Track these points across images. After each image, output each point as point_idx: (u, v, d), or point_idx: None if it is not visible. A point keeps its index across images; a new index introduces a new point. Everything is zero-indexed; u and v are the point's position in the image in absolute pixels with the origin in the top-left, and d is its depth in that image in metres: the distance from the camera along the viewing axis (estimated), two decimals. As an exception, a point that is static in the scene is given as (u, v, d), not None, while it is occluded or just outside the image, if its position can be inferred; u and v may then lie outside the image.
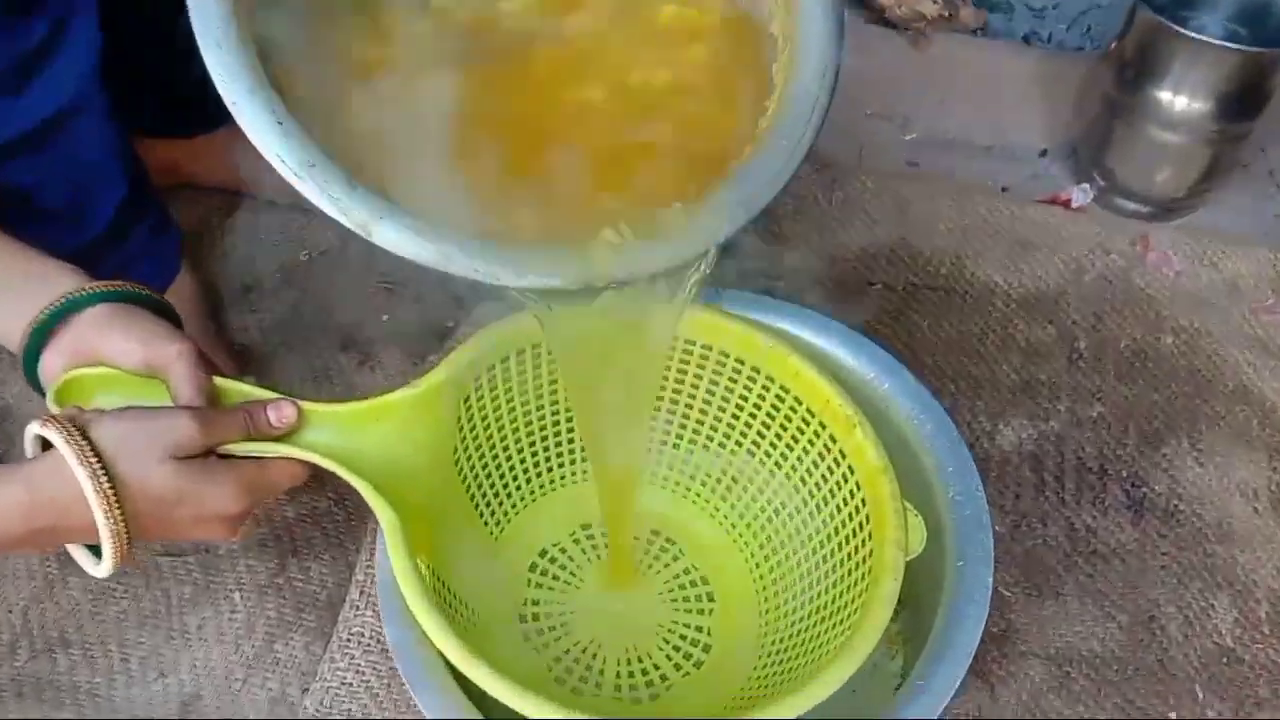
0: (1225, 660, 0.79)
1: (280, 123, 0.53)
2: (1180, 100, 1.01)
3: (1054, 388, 0.94)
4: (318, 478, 0.78)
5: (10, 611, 0.76)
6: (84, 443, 0.55)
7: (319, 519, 0.81)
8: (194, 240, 0.97)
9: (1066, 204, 1.11)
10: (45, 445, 0.56)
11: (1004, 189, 1.13)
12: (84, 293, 0.62)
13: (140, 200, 0.84)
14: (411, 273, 0.95)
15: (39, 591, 0.77)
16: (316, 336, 0.93)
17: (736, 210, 0.57)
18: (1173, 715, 0.77)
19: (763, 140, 0.60)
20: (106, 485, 0.55)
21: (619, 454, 0.69)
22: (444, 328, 0.93)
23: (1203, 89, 1.00)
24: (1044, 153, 1.17)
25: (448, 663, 0.59)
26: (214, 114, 0.84)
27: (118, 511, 0.55)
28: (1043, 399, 0.94)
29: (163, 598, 0.77)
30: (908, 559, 0.58)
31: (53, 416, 0.56)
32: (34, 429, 0.56)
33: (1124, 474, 0.89)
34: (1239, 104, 1.00)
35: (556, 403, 0.74)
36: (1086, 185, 1.11)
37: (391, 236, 0.54)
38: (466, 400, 0.69)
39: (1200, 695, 0.78)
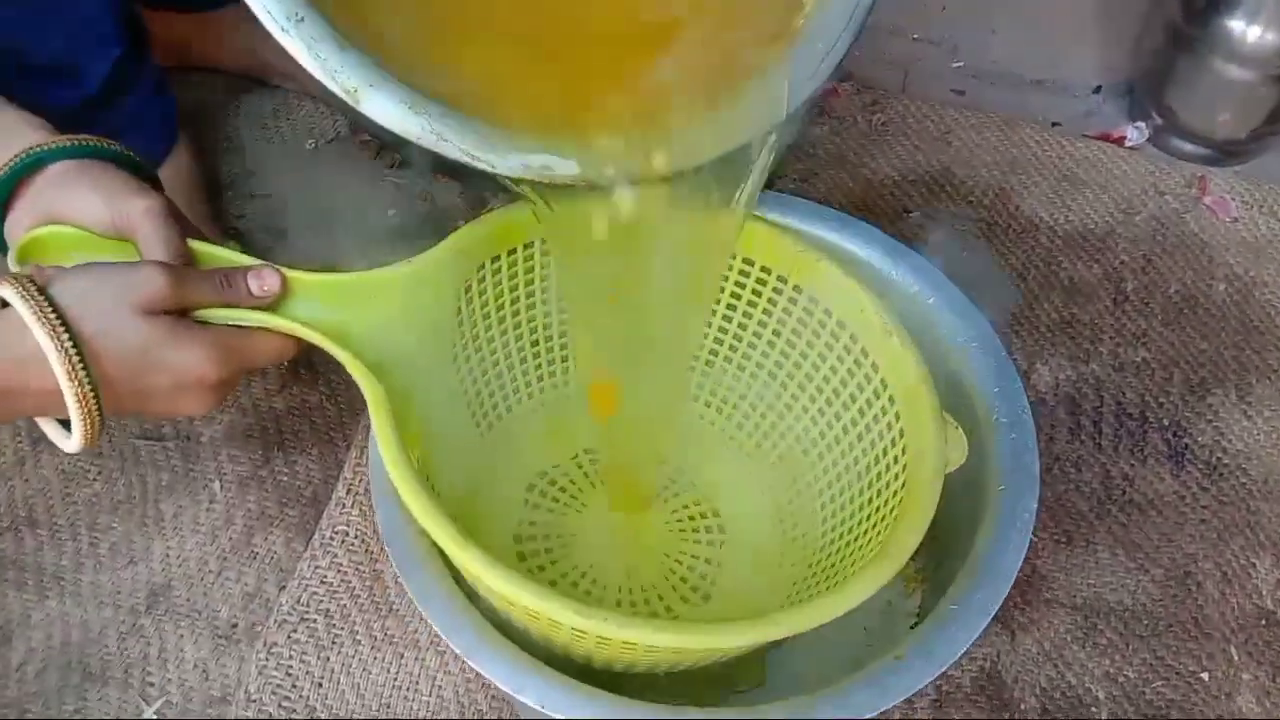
0: (1264, 622, 0.74)
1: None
2: (1254, 31, 0.94)
3: (1096, 329, 0.89)
4: (310, 367, 0.74)
5: (-26, 490, 0.72)
6: (41, 299, 0.50)
7: (309, 412, 0.76)
8: (196, 122, 0.91)
9: (1120, 141, 1.04)
10: (2, 305, 0.51)
11: (1054, 124, 1.07)
12: (48, 147, 0.57)
13: (138, 63, 0.78)
14: (421, 168, 0.90)
15: (7, 468, 0.73)
16: (317, 226, 0.88)
17: (801, 83, 0.52)
18: (1205, 675, 0.72)
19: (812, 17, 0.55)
20: (69, 343, 0.50)
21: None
22: (455, 225, 0.88)
23: (1271, 23, 0.93)
24: (1098, 89, 1.10)
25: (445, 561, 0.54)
26: None
27: (83, 374, 0.51)
28: (1084, 340, 0.88)
29: (138, 483, 0.73)
30: (948, 470, 0.53)
31: (9, 274, 0.51)
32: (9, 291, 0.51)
33: (1166, 422, 0.84)
34: (1316, 41, 0.94)
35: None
36: (1142, 123, 1.05)
37: (381, 107, 0.49)
38: (468, 288, 0.63)
39: (1235, 656, 0.73)
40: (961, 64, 1.12)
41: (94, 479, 0.73)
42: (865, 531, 0.59)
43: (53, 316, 0.50)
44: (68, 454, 0.55)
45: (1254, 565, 0.77)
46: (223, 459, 0.74)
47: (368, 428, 0.71)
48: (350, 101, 0.49)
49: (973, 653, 0.70)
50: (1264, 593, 0.76)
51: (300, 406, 0.77)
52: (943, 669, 0.52)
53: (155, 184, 0.62)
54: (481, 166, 0.51)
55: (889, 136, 1.01)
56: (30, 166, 0.58)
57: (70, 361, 0.50)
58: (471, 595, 0.54)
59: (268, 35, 0.92)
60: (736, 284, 0.67)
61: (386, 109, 0.49)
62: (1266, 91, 0.98)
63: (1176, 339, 0.89)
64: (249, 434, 0.75)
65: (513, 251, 0.65)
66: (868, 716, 0.51)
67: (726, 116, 0.54)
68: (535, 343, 0.69)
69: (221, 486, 0.73)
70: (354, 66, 0.49)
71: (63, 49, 0.73)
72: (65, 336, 0.50)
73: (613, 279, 0.60)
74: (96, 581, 0.69)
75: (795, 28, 0.55)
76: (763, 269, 0.66)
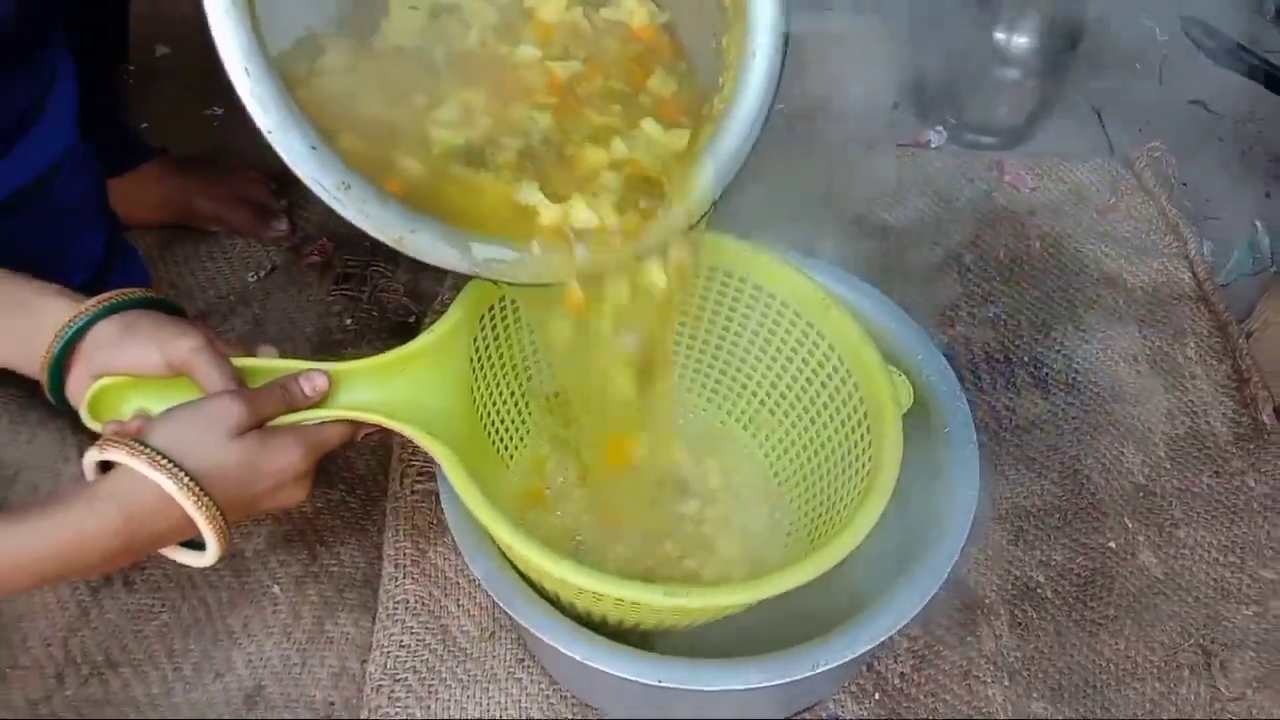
0: (1141, 494, 0.94)
1: (314, 148, 0.57)
2: (1016, 39, 1.16)
3: (952, 298, 1.08)
4: (325, 470, 0.83)
5: (49, 645, 0.77)
6: (149, 451, 0.58)
7: (335, 509, 0.85)
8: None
9: (925, 145, 1.25)
10: (105, 467, 0.59)
11: (867, 139, 1.26)
12: (85, 314, 0.64)
13: (115, 238, 0.85)
14: (365, 277, 0.99)
15: (74, 620, 0.78)
16: (285, 347, 0.96)
17: (713, 184, 0.67)
18: (1112, 544, 0.90)
19: (724, 116, 0.69)
20: (188, 480, 0.58)
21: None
22: (405, 322, 0.99)
23: (1031, 27, 1.16)
24: (896, 105, 1.31)
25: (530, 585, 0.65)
26: (143, 147, 0.86)
27: (207, 499, 0.59)
28: (946, 309, 1.07)
29: (200, 605, 0.79)
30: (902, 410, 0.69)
31: (108, 438, 0.59)
32: (94, 455, 0.59)
33: (1026, 359, 1.03)
34: (1060, 40, 1.17)
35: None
36: (940, 127, 1.26)
37: (422, 246, 0.60)
38: (475, 340, 0.74)
39: (1129, 525, 0.92)
40: (782, 106, 1.30)
41: (159, 611, 0.79)
42: (845, 470, 0.73)
43: (165, 463, 0.58)
44: (202, 568, 0.62)
45: (1122, 453, 0.96)
46: (273, 565, 0.81)
47: (390, 509, 0.81)
48: (396, 247, 0.60)
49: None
50: (1135, 471, 0.95)
51: (327, 506, 0.85)
52: (948, 571, 0.67)
53: (180, 311, 0.70)
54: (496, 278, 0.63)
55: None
56: (74, 338, 0.65)
57: (194, 494, 0.58)
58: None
59: (191, 183, 1.00)
60: (704, 288, 0.81)
61: (426, 246, 0.60)
62: (1032, 85, 1.21)
63: (1015, 292, 1.09)
64: (290, 539, 0.83)
65: (501, 300, 0.75)
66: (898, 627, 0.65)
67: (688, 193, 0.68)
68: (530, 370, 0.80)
69: (280, 589, 0.80)
70: (395, 216, 0.59)
71: (56, 244, 0.79)
72: (183, 475, 0.58)
73: (582, 330, 0.73)
74: (191, 700, 0.76)
75: (718, 109, 0.70)
76: (724, 272, 0.79)
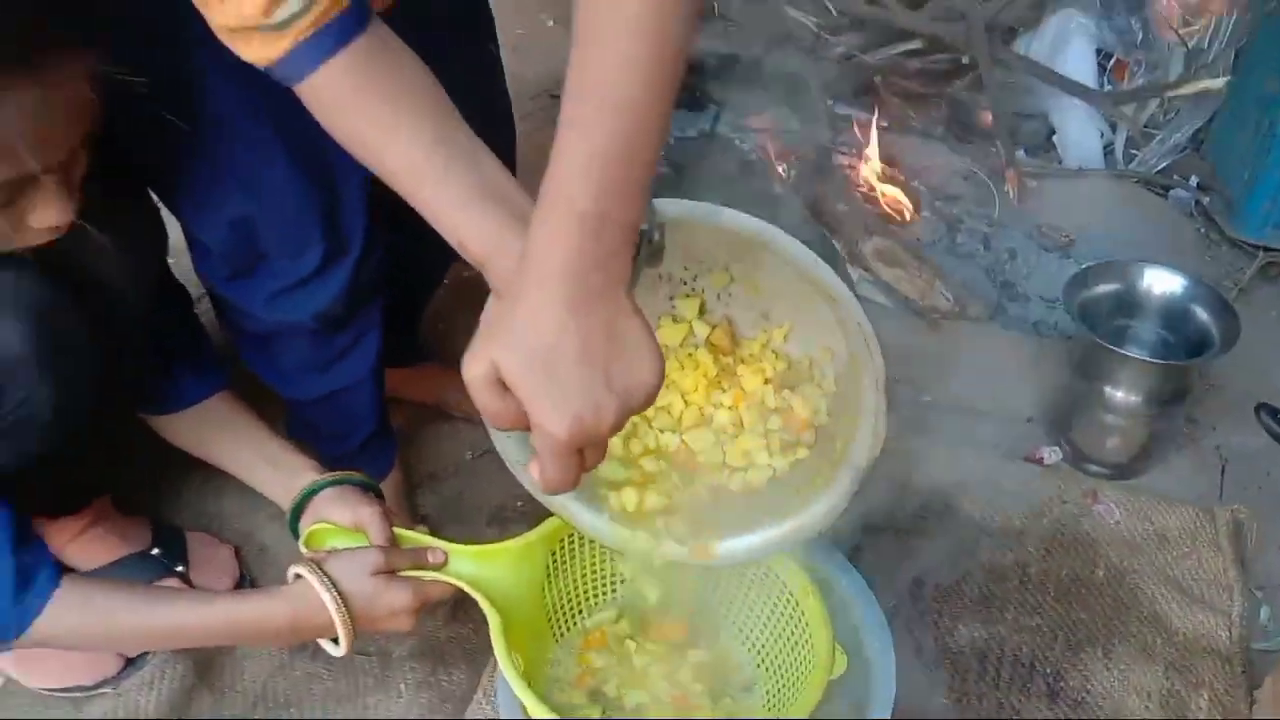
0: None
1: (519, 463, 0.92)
2: (1120, 393, 1.34)
3: (1004, 601, 1.26)
4: (466, 611, 1.16)
5: (255, 681, 1.15)
6: (323, 575, 0.94)
7: (461, 641, 1.18)
8: (401, 438, 1.38)
9: (1040, 461, 1.44)
10: (296, 576, 0.96)
11: (998, 447, 1.47)
12: (321, 481, 1.04)
13: (384, 429, 1.26)
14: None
15: (274, 670, 1.15)
16: (472, 513, 1.33)
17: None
18: None
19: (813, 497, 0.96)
20: (339, 598, 0.94)
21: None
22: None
23: (1140, 386, 1.34)
24: (1030, 419, 1.51)
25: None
26: (425, 352, 1.24)
27: (345, 613, 0.94)
28: (994, 608, 1.25)
29: (353, 684, 1.15)
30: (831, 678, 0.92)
31: (303, 560, 0.96)
32: (294, 569, 0.95)
33: (1048, 670, 1.19)
34: (1163, 396, 1.33)
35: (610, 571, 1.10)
36: (1056, 447, 1.44)
37: (568, 510, 0.93)
38: (553, 553, 1.05)
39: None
40: (928, 398, 1.54)
41: (326, 679, 1.15)
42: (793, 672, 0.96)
43: (328, 584, 0.93)
44: (334, 656, 0.96)
45: (1098, 775, 1.10)
46: (406, 670, 1.15)
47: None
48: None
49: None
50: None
51: (456, 637, 1.19)
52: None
53: (378, 493, 1.07)
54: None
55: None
56: (311, 493, 1.04)
57: (341, 609, 0.93)
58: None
59: (451, 380, 1.38)
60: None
61: (571, 512, 0.93)
62: (1138, 429, 1.37)
63: (1063, 610, 1.25)
64: (423, 653, 1.17)
65: (573, 536, 1.06)
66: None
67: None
68: (590, 585, 1.10)
69: (405, 687, 1.14)
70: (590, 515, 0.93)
71: (343, 432, 1.20)
72: (337, 595, 0.93)
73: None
74: (329, 749, 1.10)
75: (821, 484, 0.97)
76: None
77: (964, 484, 1.39)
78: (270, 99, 0.78)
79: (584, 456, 0.69)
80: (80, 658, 1.14)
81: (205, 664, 1.14)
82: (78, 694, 1.13)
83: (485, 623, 1.11)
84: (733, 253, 1.02)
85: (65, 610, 0.91)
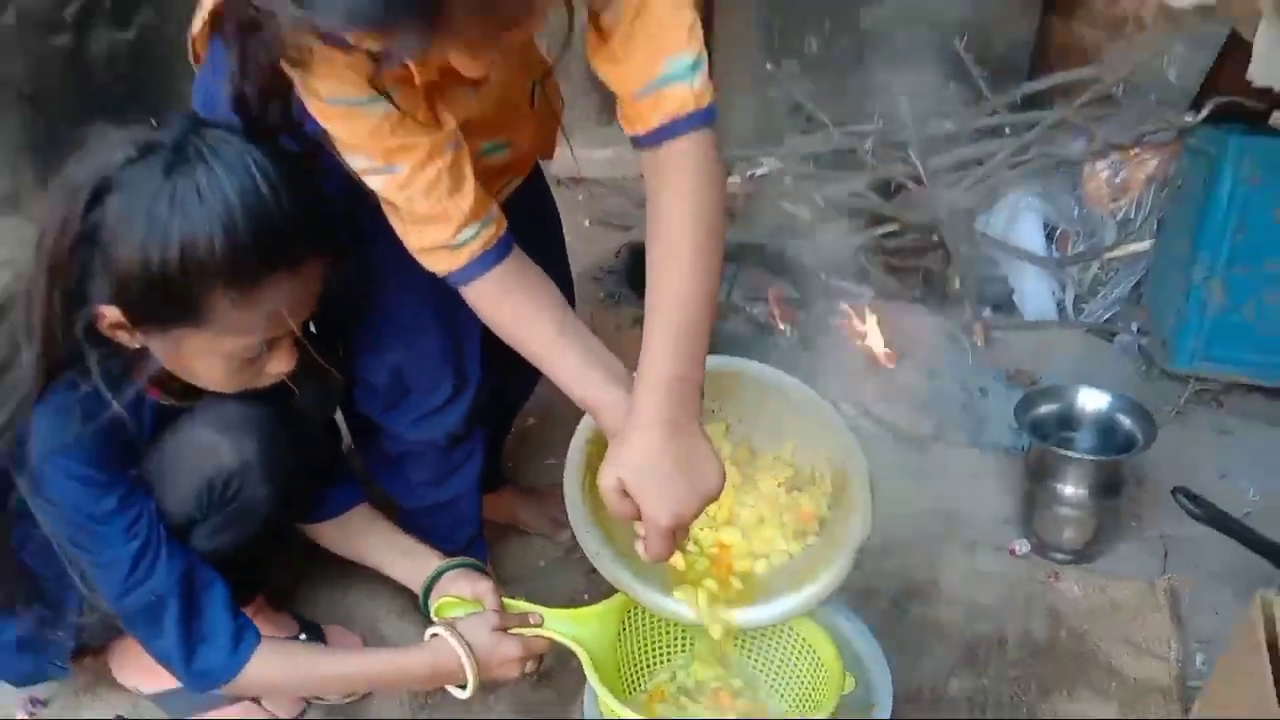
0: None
1: (597, 553, 1.22)
2: (1068, 488, 1.66)
3: (986, 658, 1.54)
4: (548, 676, 1.46)
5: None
6: (457, 633, 1.25)
7: (547, 702, 1.47)
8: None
9: (1013, 552, 1.74)
10: (433, 635, 1.27)
11: (976, 543, 1.77)
12: (447, 565, 1.37)
13: (480, 532, 1.58)
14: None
15: (412, 710, 1.44)
16: (548, 604, 1.63)
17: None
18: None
19: (821, 572, 1.28)
20: (470, 651, 1.25)
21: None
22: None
23: (1083, 481, 1.66)
24: (1005, 520, 1.82)
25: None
26: (505, 478, 1.57)
27: (474, 663, 1.25)
28: (978, 664, 1.53)
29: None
30: (844, 694, 1.21)
31: (438, 624, 1.27)
32: (431, 630, 1.27)
33: (1023, 711, 1.46)
34: (1103, 489, 1.65)
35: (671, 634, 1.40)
36: (1025, 540, 1.75)
37: (613, 576, 1.24)
38: (622, 622, 1.35)
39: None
40: (922, 506, 1.85)
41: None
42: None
43: (464, 643, 1.25)
44: (461, 699, 1.26)
45: (1067, 786, 1.36)
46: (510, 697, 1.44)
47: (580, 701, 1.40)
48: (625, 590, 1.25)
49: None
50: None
51: (543, 700, 1.47)
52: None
53: (487, 574, 1.39)
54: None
55: (873, 559, 1.73)
56: (439, 574, 1.36)
57: (471, 660, 1.24)
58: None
59: (527, 503, 1.72)
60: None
61: (637, 590, 1.24)
62: (1087, 519, 1.68)
63: (1035, 664, 1.53)
64: (516, 711, 1.46)
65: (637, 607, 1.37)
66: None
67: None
68: (656, 647, 1.39)
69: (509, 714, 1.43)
70: (623, 574, 1.24)
71: (457, 540, 1.54)
72: (469, 649, 1.25)
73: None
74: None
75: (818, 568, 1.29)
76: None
77: (952, 572, 1.69)
78: (422, 279, 1.16)
79: (675, 536, 1.07)
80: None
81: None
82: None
83: (567, 689, 1.41)
84: (747, 389, 1.37)
85: (263, 663, 1.22)
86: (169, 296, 1.04)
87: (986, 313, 2.36)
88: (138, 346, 1.11)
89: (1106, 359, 2.26)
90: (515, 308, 1.15)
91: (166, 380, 1.17)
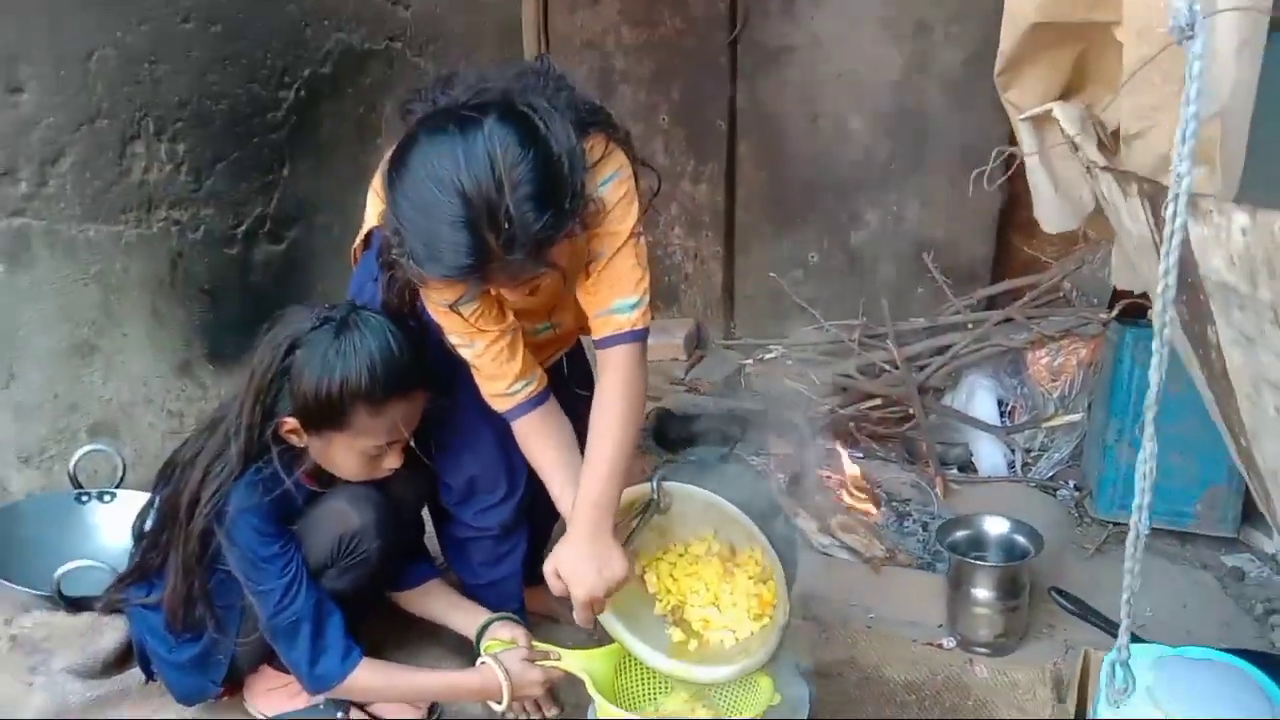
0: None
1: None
2: (980, 593, 2.14)
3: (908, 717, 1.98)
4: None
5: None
6: (499, 662, 1.78)
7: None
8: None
9: (940, 646, 2.20)
10: (482, 663, 1.80)
11: (914, 640, 2.23)
12: (493, 617, 1.91)
13: (523, 607, 2.10)
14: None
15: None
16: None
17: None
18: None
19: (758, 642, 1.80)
20: (507, 674, 1.77)
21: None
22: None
23: (989, 585, 2.13)
24: (940, 625, 2.28)
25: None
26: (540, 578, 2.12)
27: (509, 684, 1.77)
28: (900, 722, 1.98)
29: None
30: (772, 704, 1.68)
31: (487, 655, 1.81)
32: (481, 660, 1.81)
33: (930, 754, 1.90)
34: (1007, 591, 2.12)
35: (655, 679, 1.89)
36: (952, 638, 2.21)
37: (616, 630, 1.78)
38: (618, 664, 1.85)
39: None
40: (873, 615, 2.32)
41: (486, 754, 1.92)
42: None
43: (504, 671, 1.77)
44: (498, 709, 1.76)
45: (953, 803, 1.78)
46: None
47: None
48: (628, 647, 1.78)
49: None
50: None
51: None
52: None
53: (521, 620, 1.92)
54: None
55: (827, 646, 2.20)
56: (489, 623, 1.90)
57: (509, 682, 1.77)
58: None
59: (558, 599, 2.25)
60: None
61: (637, 650, 1.78)
62: (996, 617, 2.14)
63: (944, 723, 1.97)
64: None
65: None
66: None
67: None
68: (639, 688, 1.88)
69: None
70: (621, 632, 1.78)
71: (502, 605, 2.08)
72: (505, 673, 1.77)
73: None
74: (486, 787, 1.86)
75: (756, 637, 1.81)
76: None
77: (889, 660, 2.15)
78: (489, 415, 1.76)
79: (591, 607, 1.65)
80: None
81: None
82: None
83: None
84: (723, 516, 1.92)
85: (365, 673, 1.76)
86: (329, 411, 1.66)
87: (953, 471, 2.88)
88: (303, 445, 1.72)
89: (1048, 508, 2.74)
90: (537, 438, 1.77)
91: (316, 472, 1.77)
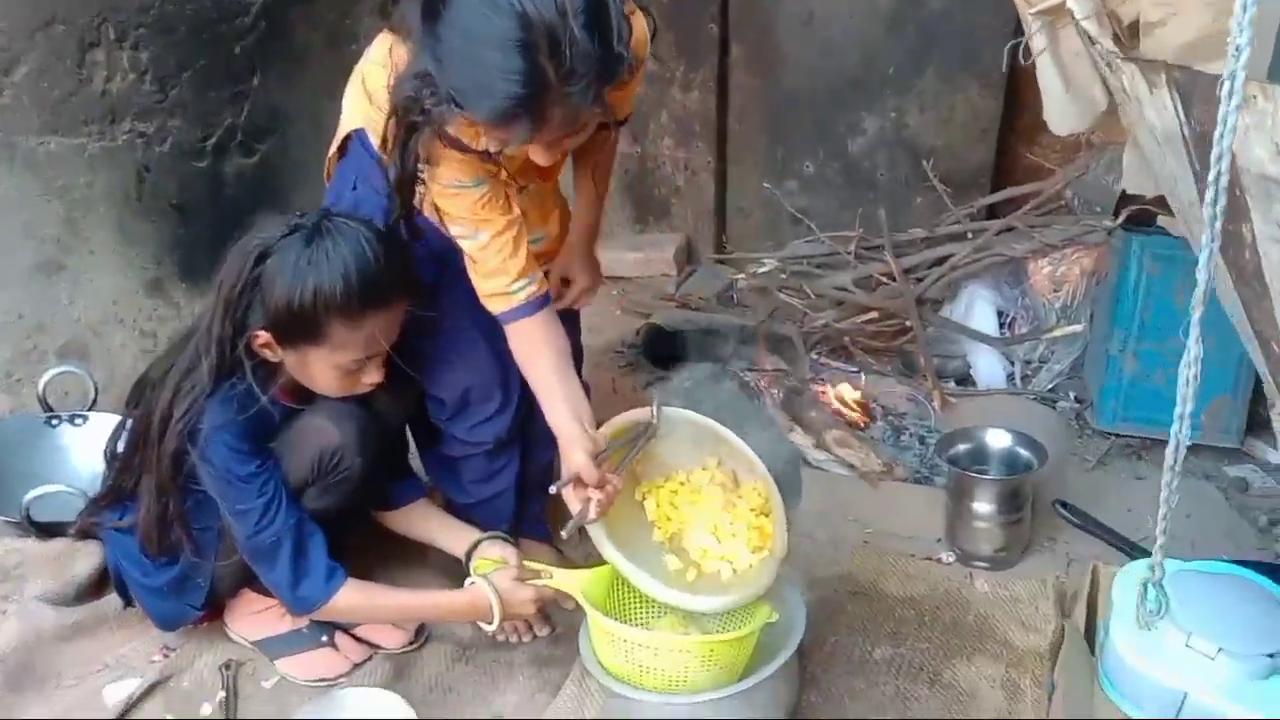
0: (955, 738, 1.71)
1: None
2: (982, 505, 2.08)
3: (906, 635, 1.94)
4: (560, 638, 1.91)
5: (433, 675, 1.88)
6: (489, 582, 1.72)
7: (557, 658, 1.90)
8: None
9: (940, 560, 2.15)
10: (471, 583, 1.74)
11: (912, 554, 2.18)
12: (483, 536, 1.84)
13: (514, 524, 2.05)
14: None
15: (443, 669, 1.88)
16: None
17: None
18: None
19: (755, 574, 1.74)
20: (497, 594, 1.71)
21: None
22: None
23: (990, 499, 2.08)
24: (939, 539, 2.23)
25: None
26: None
27: (500, 605, 1.71)
28: (900, 638, 1.93)
29: (491, 676, 1.86)
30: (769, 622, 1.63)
31: (477, 576, 1.75)
32: (470, 580, 1.75)
33: (931, 670, 1.85)
34: (1008, 505, 2.07)
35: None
36: (951, 552, 2.16)
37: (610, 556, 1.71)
38: (612, 584, 1.79)
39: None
40: (870, 530, 2.27)
41: (475, 674, 1.87)
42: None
43: (493, 589, 1.72)
44: (489, 630, 1.71)
45: None
46: (524, 669, 1.87)
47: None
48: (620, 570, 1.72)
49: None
50: (957, 728, 1.73)
51: (553, 656, 1.90)
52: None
53: (513, 543, 1.86)
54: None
55: (824, 553, 2.15)
56: (479, 542, 1.84)
57: (497, 598, 1.71)
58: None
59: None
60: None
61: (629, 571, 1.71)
62: (997, 531, 2.09)
63: (945, 639, 1.92)
64: (533, 662, 1.89)
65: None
66: None
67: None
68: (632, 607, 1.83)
69: (523, 678, 1.85)
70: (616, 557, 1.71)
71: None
72: (496, 593, 1.71)
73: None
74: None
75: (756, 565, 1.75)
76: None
77: (887, 575, 2.11)
78: (483, 324, 1.68)
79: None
80: (323, 662, 1.87)
81: (401, 664, 1.88)
82: (324, 685, 1.86)
83: (572, 649, 1.85)
84: (720, 440, 1.83)
85: (348, 594, 1.69)
86: (303, 323, 1.57)
87: (951, 385, 2.81)
88: (277, 360, 1.63)
89: (1049, 421, 2.68)
90: (534, 345, 1.68)
91: (293, 388, 1.69)
